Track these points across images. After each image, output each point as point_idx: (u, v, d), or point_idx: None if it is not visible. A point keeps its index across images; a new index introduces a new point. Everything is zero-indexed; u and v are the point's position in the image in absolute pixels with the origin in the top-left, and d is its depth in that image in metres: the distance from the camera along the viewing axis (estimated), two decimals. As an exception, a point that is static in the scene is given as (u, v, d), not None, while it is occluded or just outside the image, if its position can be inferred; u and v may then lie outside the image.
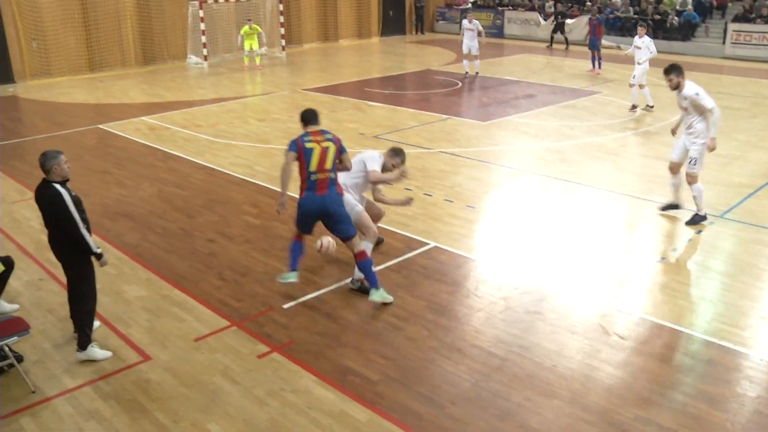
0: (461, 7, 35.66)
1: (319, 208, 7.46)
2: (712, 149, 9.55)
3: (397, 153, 8.22)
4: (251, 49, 24.44)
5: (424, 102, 18.03)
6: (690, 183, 9.60)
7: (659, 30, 28.48)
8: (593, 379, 6.16)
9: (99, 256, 6.61)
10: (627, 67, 23.27)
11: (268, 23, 28.43)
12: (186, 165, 13.03)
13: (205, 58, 25.79)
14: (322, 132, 7.57)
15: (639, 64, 17.09)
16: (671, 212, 10.04)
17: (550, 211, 10.35)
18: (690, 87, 9.49)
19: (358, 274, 7.82)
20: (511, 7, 33.80)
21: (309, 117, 7.71)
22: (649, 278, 8.22)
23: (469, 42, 22.13)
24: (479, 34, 22.31)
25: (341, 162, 7.58)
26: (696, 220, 9.71)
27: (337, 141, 7.52)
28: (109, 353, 6.72)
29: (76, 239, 6.41)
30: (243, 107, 18.42)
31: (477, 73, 22.39)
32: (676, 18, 28.09)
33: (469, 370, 6.33)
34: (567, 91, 19.45)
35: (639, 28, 17.90)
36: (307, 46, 31.07)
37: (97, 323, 7.09)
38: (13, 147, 14.85)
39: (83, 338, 6.64)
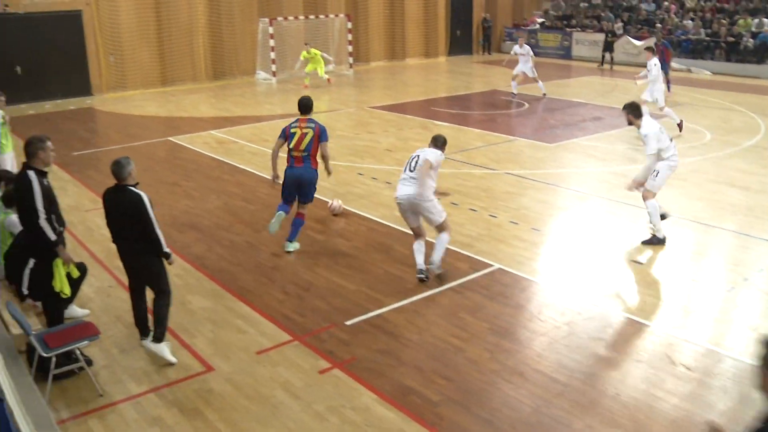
0: (529, 27, 35.55)
1: (296, 177, 9.56)
2: (631, 189, 9.90)
3: (440, 141, 9.04)
4: (315, 70, 24.21)
5: (490, 122, 17.98)
6: (644, 198, 9.78)
7: (733, 53, 27.89)
8: (658, 411, 6.01)
9: (167, 255, 6.87)
10: (697, 90, 22.92)
11: (336, 41, 28.80)
12: (253, 179, 13.24)
13: (274, 74, 26.24)
14: (308, 120, 9.64)
15: (655, 87, 17.22)
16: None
17: (616, 236, 10.18)
18: (645, 126, 9.68)
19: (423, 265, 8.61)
20: (579, 29, 33.50)
21: (301, 107, 9.81)
22: (718, 308, 8.00)
23: (523, 66, 22.12)
24: (531, 57, 22.30)
25: (321, 147, 9.55)
26: (653, 242, 9.75)
27: (317, 129, 9.54)
28: (174, 359, 6.86)
29: (153, 239, 6.69)
30: (309, 123, 18.65)
31: (544, 94, 22.15)
32: (750, 40, 27.45)
33: (531, 395, 6.25)
34: (635, 114, 19.11)
35: (647, 52, 18.59)
36: (374, 64, 31.33)
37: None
38: (89, 157, 15.32)
39: (161, 332, 6.91)
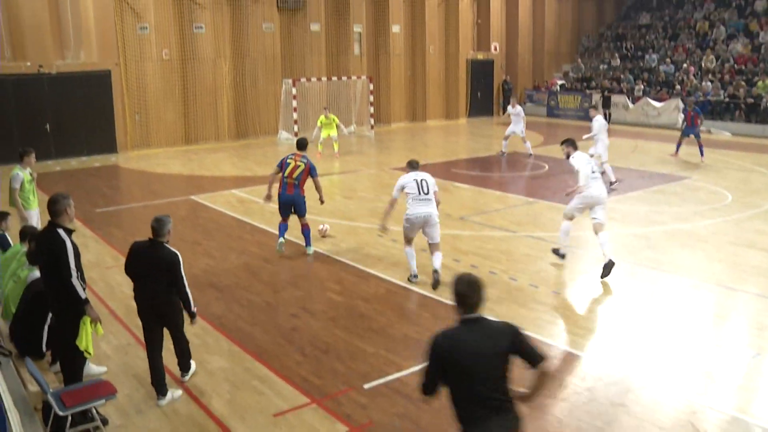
0: (551, 88, 35.91)
1: (288, 200, 11.89)
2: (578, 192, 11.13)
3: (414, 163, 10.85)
4: (329, 136, 23.03)
5: (510, 184, 18.04)
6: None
7: (752, 114, 27.95)
8: (683, 481, 5.88)
9: (193, 315, 7.23)
10: (717, 152, 22.91)
11: (358, 102, 29.20)
12: (273, 238, 13.27)
13: (296, 134, 26.54)
14: (302, 156, 12.00)
15: (599, 142, 17.93)
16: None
17: (637, 299, 10.09)
18: (577, 159, 11.10)
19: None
20: (598, 89, 33.75)
21: (298, 144, 12.34)
22: (743, 374, 7.86)
23: (514, 126, 22.72)
24: (523, 118, 22.93)
25: (314, 181, 12.00)
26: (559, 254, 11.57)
27: (308, 165, 11.88)
28: (179, 392, 7.22)
29: (183, 298, 7.01)
30: (330, 184, 18.79)
31: (530, 155, 22.55)
32: (771, 102, 27.55)
33: (551, 463, 6.13)
34: (655, 176, 19.14)
35: (591, 110, 20.25)
36: (395, 126, 31.69)
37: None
38: (111, 214, 15.50)
39: (187, 363, 7.62)
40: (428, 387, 4.68)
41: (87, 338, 6.78)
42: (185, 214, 15.68)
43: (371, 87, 29.12)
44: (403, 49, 32.13)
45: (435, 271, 10.42)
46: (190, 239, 13.46)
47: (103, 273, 11.47)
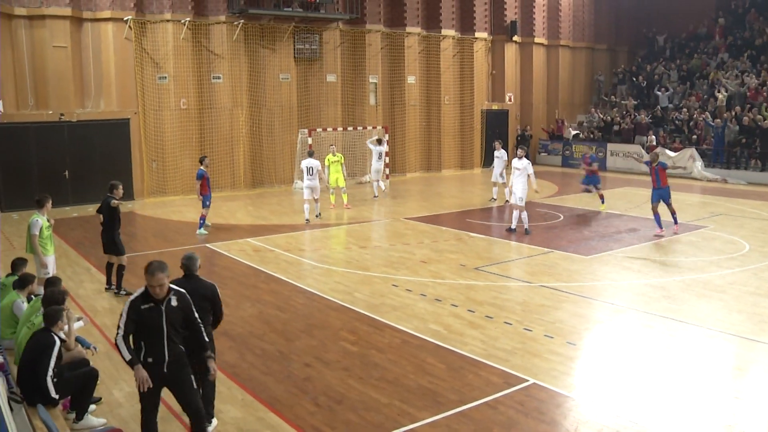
0: (561, 130, 36.12)
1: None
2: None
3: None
4: (337, 185, 22.51)
5: (525, 234, 17.96)
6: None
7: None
8: None
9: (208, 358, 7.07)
10: (733, 200, 22.84)
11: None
12: (287, 288, 13.30)
13: (311, 184, 26.70)
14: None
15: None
16: None
17: (654, 350, 9.96)
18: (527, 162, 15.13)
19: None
20: (615, 128, 33.83)
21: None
22: (764, 428, 7.71)
23: (496, 170, 23.39)
24: (506, 162, 23.35)
25: None
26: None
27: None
28: None
29: (204, 339, 6.95)
30: (345, 233, 18.86)
31: (507, 201, 22.68)
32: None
33: None
34: (671, 226, 19.00)
35: (496, 142, 23.81)
36: (410, 176, 31.82)
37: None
38: (127, 261, 15.52)
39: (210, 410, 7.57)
40: None
41: None
42: (200, 262, 15.66)
43: (386, 137, 29.30)
44: (418, 100, 32.43)
45: None
46: (205, 287, 13.45)
47: (117, 320, 11.45)
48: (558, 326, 10.95)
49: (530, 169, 18.02)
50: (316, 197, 20.34)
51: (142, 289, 6.63)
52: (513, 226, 18.24)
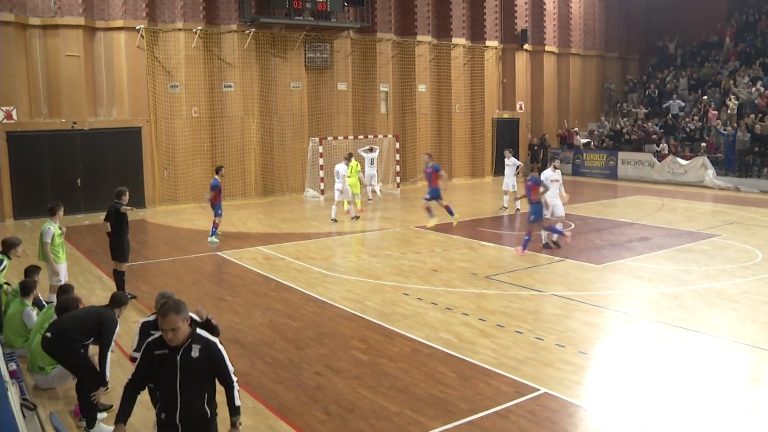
0: (570, 137, 36.05)
1: None
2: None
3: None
4: (353, 193, 22.37)
5: (536, 242, 17.91)
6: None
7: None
8: None
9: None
10: (746, 209, 22.71)
11: (384, 161, 29.42)
12: (298, 296, 13.31)
13: (322, 192, 26.77)
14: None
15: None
16: None
17: (666, 360, 9.91)
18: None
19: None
20: (627, 135, 33.71)
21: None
22: (778, 440, 7.66)
23: (507, 179, 23.43)
24: (517, 170, 23.54)
25: None
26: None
27: None
28: None
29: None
30: (356, 242, 18.87)
31: (517, 209, 22.90)
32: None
33: None
34: (683, 234, 18.97)
35: (507, 151, 23.23)
36: (421, 184, 31.77)
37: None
38: (138, 268, 15.60)
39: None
40: None
41: None
42: (211, 270, 15.77)
43: (397, 145, 29.37)
44: (429, 108, 32.46)
45: None
46: (215, 295, 13.50)
47: (128, 327, 11.47)
48: (570, 335, 10.90)
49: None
50: (347, 200, 21.72)
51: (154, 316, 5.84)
52: (555, 238, 17.32)
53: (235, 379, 5.62)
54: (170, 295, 6.68)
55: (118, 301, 8.46)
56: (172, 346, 5.39)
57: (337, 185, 21.73)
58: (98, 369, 8.01)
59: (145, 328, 7.06)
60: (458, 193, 29.20)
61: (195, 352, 5.41)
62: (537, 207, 16.64)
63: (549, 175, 17.65)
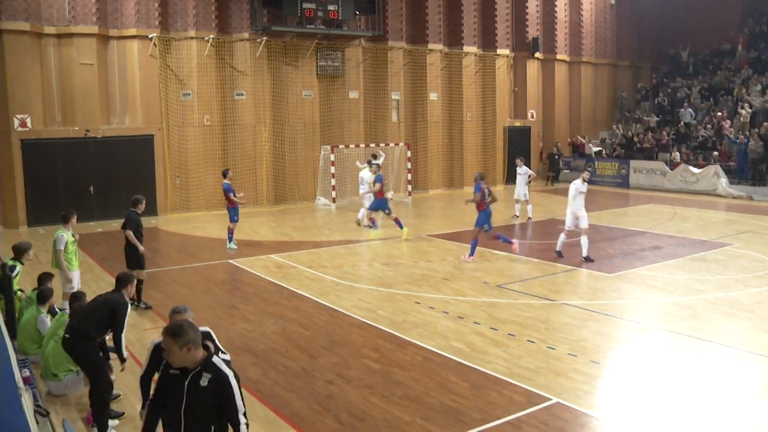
0: (587, 155, 35.92)
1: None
2: None
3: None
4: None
5: (548, 252, 17.88)
6: None
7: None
8: None
9: None
10: (759, 218, 22.59)
11: (396, 169, 29.45)
12: (310, 305, 13.31)
13: (334, 200, 26.81)
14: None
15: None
16: None
17: (680, 370, 9.85)
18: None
19: None
20: (638, 144, 33.60)
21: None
22: (793, 452, 7.60)
23: (519, 187, 23.41)
24: (529, 178, 23.60)
25: None
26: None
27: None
28: None
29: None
30: (368, 250, 18.86)
31: (529, 218, 23.00)
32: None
33: None
34: (696, 243, 18.88)
35: (518, 159, 23.00)
36: (432, 192, 31.83)
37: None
38: (150, 276, 15.62)
39: None
40: None
41: None
42: (223, 277, 15.80)
43: (409, 154, 29.39)
44: (440, 117, 32.48)
45: None
46: (227, 303, 13.53)
47: (140, 335, 11.55)
48: (582, 345, 10.86)
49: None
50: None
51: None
52: (585, 254, 16.86)
53: (243, 420, 5.10)
54: (181, 311, 6.44)
55: (123, 281, 8.55)
56: (180, 368, 5.10)
57: (362, 190, 22.30)
58: (118, 355, 8.50)
59: (157, 351, 6.26)
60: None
61: (204, 381, 5.04)
62: (484, 215, 17.25)
63: (578, 186, 17.11)
